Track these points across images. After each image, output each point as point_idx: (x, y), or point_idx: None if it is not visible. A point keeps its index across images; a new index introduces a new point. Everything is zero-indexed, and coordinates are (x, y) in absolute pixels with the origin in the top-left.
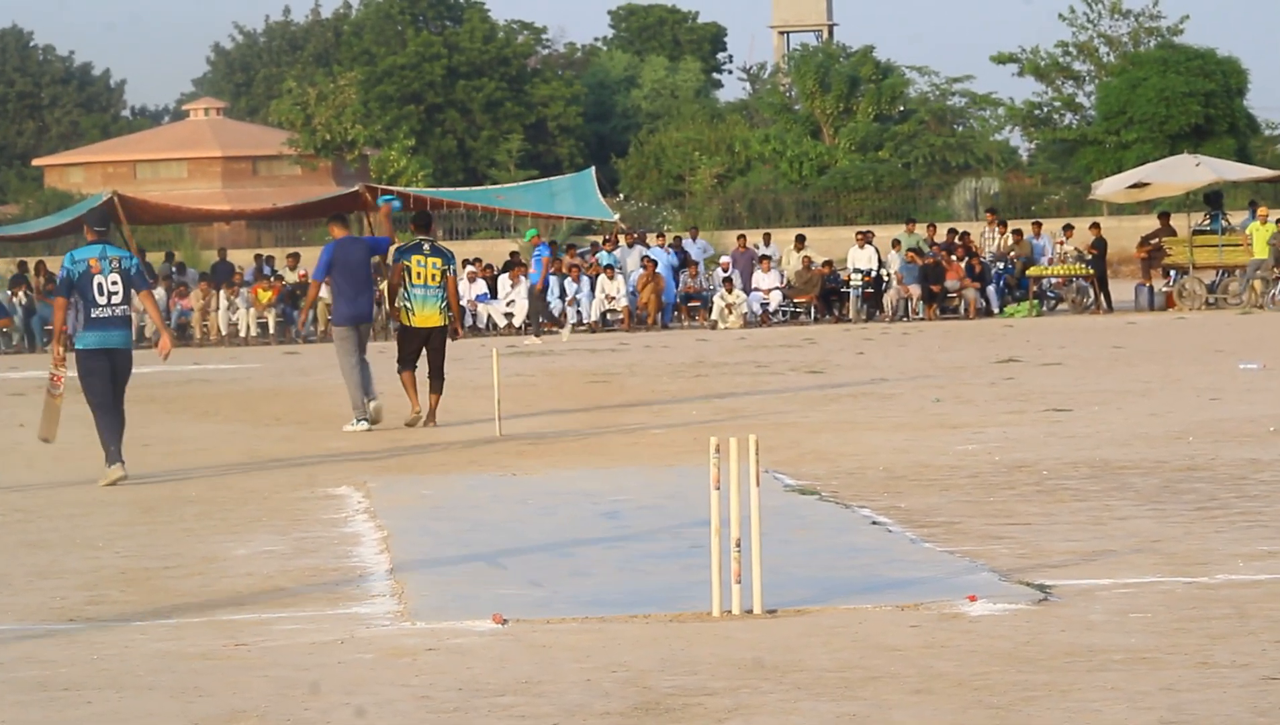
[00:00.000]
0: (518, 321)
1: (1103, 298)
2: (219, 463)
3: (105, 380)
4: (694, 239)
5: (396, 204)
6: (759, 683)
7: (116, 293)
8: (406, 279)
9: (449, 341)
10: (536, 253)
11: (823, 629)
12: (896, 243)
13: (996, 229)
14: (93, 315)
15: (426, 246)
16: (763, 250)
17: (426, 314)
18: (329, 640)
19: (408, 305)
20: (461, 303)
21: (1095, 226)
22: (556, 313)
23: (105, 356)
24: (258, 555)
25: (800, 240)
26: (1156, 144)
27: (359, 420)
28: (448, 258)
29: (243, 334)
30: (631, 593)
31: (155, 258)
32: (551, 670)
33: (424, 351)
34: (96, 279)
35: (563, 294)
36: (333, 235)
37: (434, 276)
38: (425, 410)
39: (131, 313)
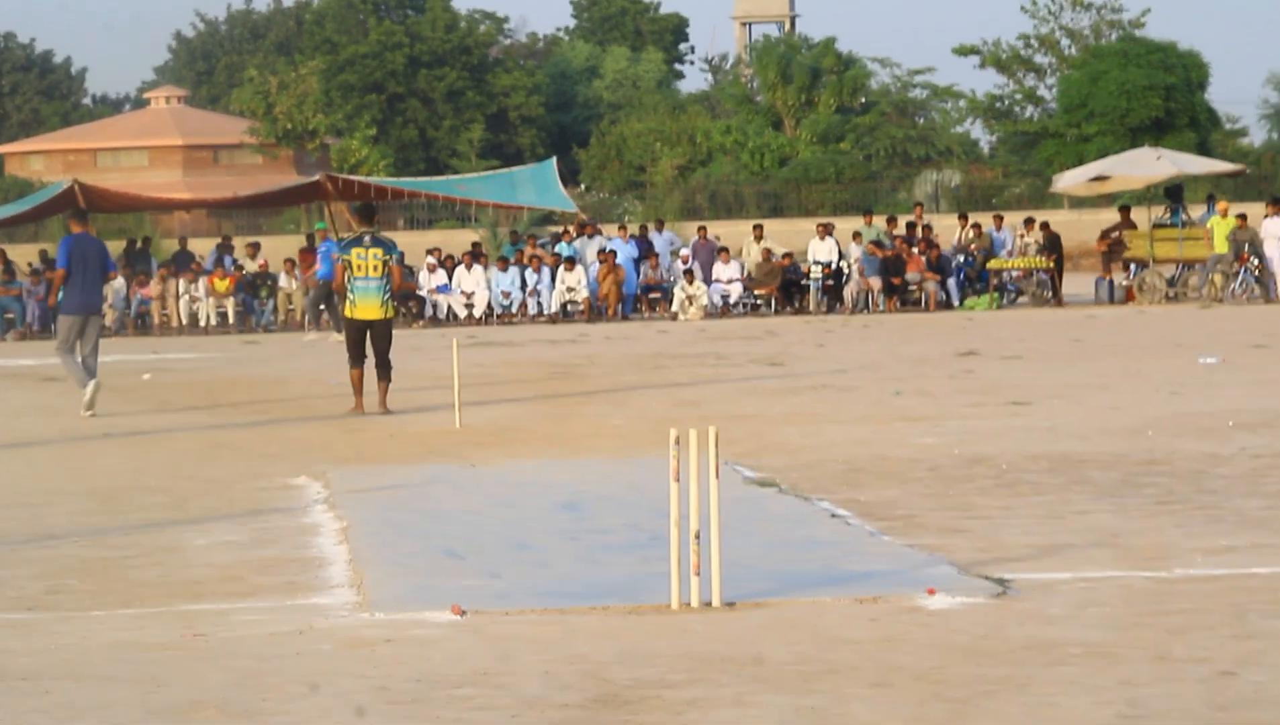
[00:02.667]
0: (478, 312)
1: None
2: (179, 452)
3: None
4: (659, 231)
5: None
6: (717, 675)
7: None
8: (349, 272)
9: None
10: (323, 248)
11: (781, 622)
12: (857, 235)
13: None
14: None
15: (367, 239)
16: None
17: (367, 306)
18: (287, 631)
19: (351, 297)
20: (421, 293)
21: (1045, 226)
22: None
23: None
24: (217, 545)
25: (758, 229)
26: (1117, 137)
27: (85, 385)
28: (388, 248)
29: (203, 323)
30: (590, 584)
31: (116, 246)
32: (510, 662)
33: (370, 343)
34: None
35: (524, 285)
36: (71, 230)
37: (375, 268)
38: (375, 404)
39: None
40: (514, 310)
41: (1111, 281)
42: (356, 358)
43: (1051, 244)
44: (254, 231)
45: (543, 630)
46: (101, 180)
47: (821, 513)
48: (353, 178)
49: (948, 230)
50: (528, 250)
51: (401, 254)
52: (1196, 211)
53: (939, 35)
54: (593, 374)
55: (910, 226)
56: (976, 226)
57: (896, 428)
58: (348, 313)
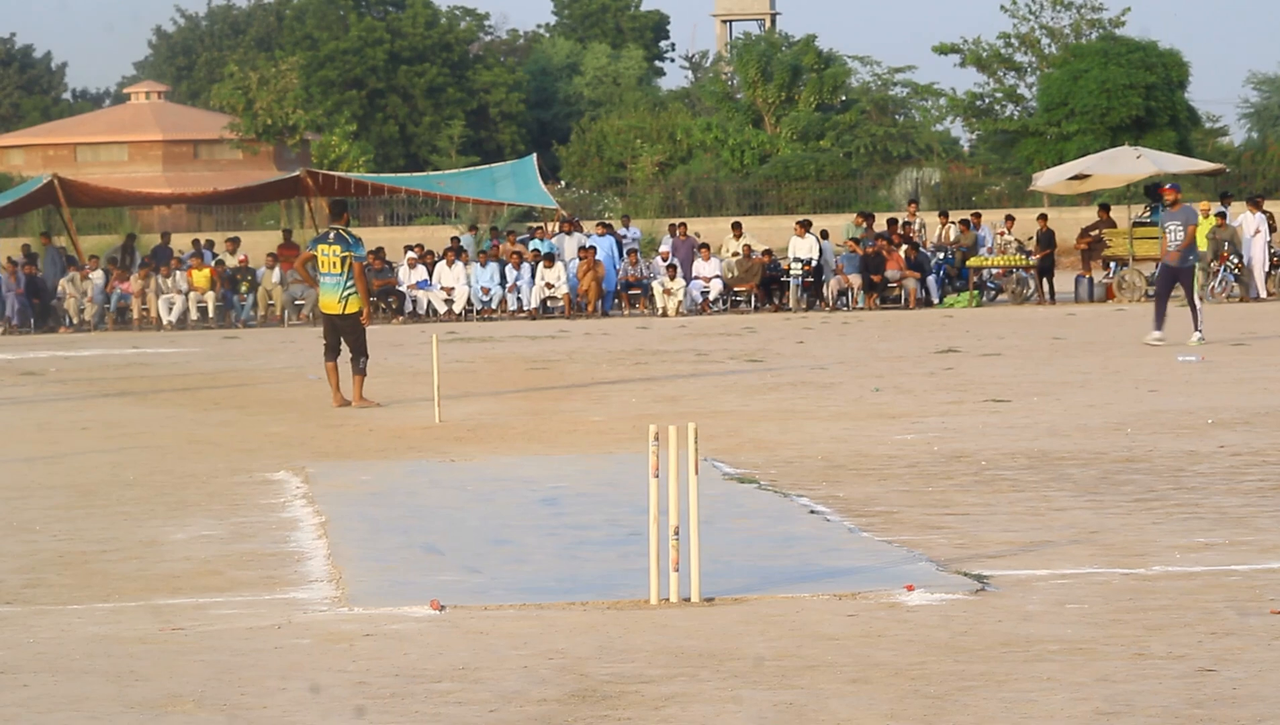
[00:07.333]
0: (457, 307)
1: (1045, 288)
2: (158, 447)
3: None
4: (626, 227)
5: None
6: (696, 671)
7: None
8: (316, 267)
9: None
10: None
11: (760, 618)
12: (826, 233)
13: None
14: None
15: (331, 235)
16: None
17: (327, 300)
18: (266, 625)
19: (319, 292)
20: (401, 288)
21: (1043, 218)
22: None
23: None
24: (196, 540)
25: (737, 227)
26: (1097, 136)
27: None
28: (348, 244)
29: (178, 316)
30: (569, 580)
31: (97, 241)
32: (489, 657)
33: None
34: None
35: (504, 280)
36: None
37: (334, 264)
38: (352, 396)
39: None
40: (494, 306)
41: (1091, 279)
42: (328, 351)
43: (1045, 240)
44: (234, 227)
45: (521, 625)
46: (81, 175)
47: (800, 509)
48: (333, 173)
49: (928, 228)
50: (506, 245)
51: (364, 254)
52: None
53: (919, 34)
54: (572, 370)
55: (891, 223)
56: (964, 223)
57: (876, 424)
58: (320, 306)
